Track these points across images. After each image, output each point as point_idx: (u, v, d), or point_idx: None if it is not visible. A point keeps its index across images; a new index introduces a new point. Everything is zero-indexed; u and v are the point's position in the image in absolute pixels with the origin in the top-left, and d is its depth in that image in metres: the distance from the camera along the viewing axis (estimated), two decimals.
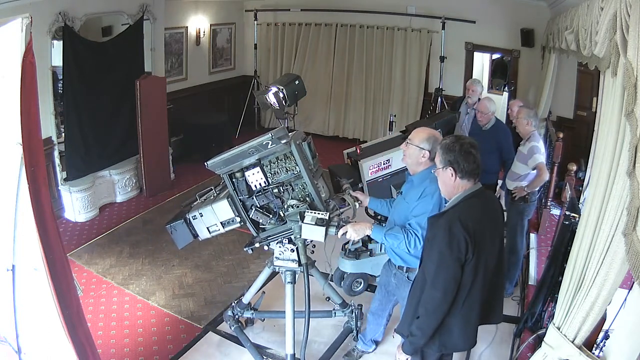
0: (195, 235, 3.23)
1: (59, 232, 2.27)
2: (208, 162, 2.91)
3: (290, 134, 2.93)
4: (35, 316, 2.30)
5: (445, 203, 2.62)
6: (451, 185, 2.35)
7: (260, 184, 2.97)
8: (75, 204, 5.71)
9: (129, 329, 3.97)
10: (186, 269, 4.88)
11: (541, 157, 4.04)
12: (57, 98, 5.55)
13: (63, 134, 5.65)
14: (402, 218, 2.86)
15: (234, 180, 2.99)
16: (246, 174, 2.95)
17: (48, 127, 5.31)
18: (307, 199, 2.96)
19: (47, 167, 5.31)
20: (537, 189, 4.20)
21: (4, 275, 2.21)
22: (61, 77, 5.60)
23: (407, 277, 2.94)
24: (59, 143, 5.59)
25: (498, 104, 7.98)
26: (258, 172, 2.93)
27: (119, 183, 6.29)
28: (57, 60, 5.44)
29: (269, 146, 2.76)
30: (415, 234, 2.70)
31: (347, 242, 4.22)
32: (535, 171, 4.06)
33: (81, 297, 2.72)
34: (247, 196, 3.02)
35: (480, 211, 2.32)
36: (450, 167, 2.31)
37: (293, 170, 2.91)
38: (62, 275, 2.25)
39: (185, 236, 3.23)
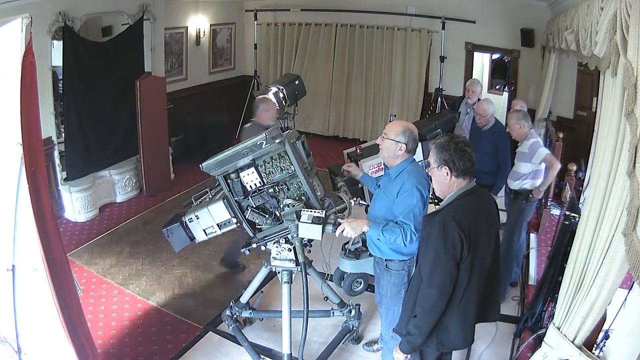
0: (192, 238, 3.23)
1: (59, 232, 2.28)
2: (202, 164, 2.91)
3: (284, 133, 2.93)
4: (35, 316, 2.30)
5: (430, 195, 2.69)
6: (446, 184, 2.36)
7: (255, 184, 2.96)
8: (75, 204, 5.72)
9: (129, 329, 3.97)
10: (186, 269, 4.88)
11: (545, 150, 4.02)
12: (57, 98, 5.55)
13: (63, 134, 5.65)
14: (384, 211, 2.89)
15: (229, 181, 2.98)
16: (241, 174, 2.95)
17: (48, 127, 5.31)
18: (303, 197, 2.96)
19: (47, 167, 5.31)
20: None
21: (4, 275, 2.21)
22: (61, 77, 5.60)
23: (386, 266, 3.04)
24: (59, 143, 5.59)
25: (498, 104, 8.01)
26: (253, 172, 2.93)
27: (119, 183, 6.29)
28: (57, 60, 5.44)
29: (264, 146, 2.76)
30: (409, 229, 2.73)
31: (347, 242, 4.22)
32: (542, 165, 4.03)
33: (81, 297, 2.72)
34: (242, 197, 3.01)
35: (475, 209, 2.32)
36: (445, 166, 2.31)
37: (288, 169, 2.90)
38: (62, 275, 2.25)
39: (181, 239, 3.23)
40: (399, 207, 2.79)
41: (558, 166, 4.08)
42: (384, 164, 3.98)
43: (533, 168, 4.06)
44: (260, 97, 4.51)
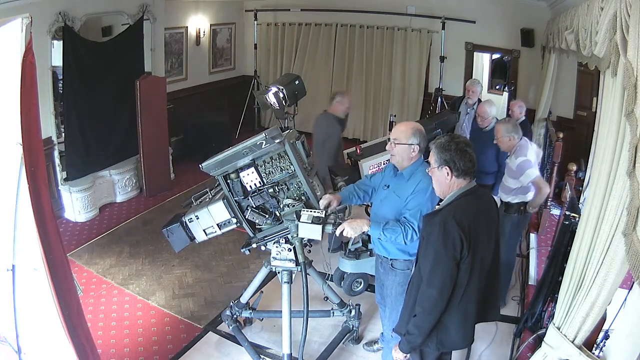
0: (192, 238, 3.23)
1: (59, 232, 2.27)
2: (202, 164, 2.91)
3: (283, 133, 2.94)
4: (35, 316, 2.30)
5: (438, 199, 2.65)
6: (446, 184, 2.36)
7: (255, 184, 2.97)
8: (75, 204, 5.72)
9: (129, 329, 3.97)
10: (186, 269, 4.88)
11: (535, 171, 3.71)
12: (57, 98, 5.55)
13: (63, 134, 5.65)
14: (394, 212, 2.87)
15: (228, 181, 2.98)
16: (241, 174, 2.95)
17: (48, 127, 5.31)
18: (303, 197, 2.97)
19: (47, 167, 5.31)
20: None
21: (4, 275, 2.21)
22: (61, 77, 5.60)
23: (392, 265, 3.02)
24: (59, 143, 5.60)
25: (498, 104, 8.00)
26: (253, 172, 2.93)
27: (119, 183, 6.29)
28: (57, 60, 5.44)
29: (263, 146, 2.76)
30: (412, 227, 2.72)
31: (347, 242, 4.22)
32: (530, 184, 3.78)
33: (81, 297, 2.72)
34: (242, 197, 3.01)
35: (475, 209, 2.32)
36: (446, 167, 2.31)
37: (287, 169, 2.91)
38: (62, 275, 2.25)
39: (182, 239, 3.24)
40: (410, 204, 2.78)
41: (547, 191, 3.86)
42: (386, 163, 4.00)
43: (519, 185, 3.83)
44: (338, 90, 4.59)
